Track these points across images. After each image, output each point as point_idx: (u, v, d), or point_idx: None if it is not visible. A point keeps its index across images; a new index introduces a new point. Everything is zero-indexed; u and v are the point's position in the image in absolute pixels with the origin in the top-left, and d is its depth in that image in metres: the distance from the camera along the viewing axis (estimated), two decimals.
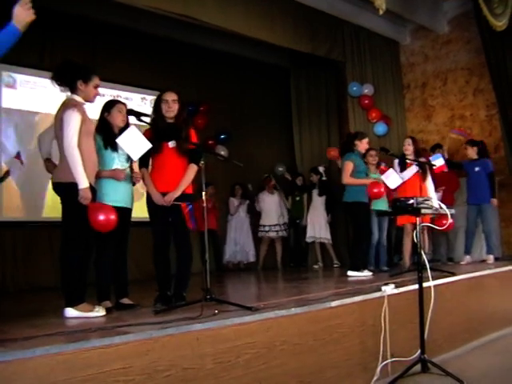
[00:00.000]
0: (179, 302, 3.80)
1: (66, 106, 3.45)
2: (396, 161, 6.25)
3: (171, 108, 3.97)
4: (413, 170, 5.93)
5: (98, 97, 3.68)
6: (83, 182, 3.36)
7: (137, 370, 2.55)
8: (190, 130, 4.06)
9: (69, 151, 3.35)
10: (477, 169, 6.75)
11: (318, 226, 8.28)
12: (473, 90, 8.07)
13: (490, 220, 6.69)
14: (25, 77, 6.85)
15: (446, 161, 7.14)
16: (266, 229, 8.58)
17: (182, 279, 3.98)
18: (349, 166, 5.92)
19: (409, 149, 6.15)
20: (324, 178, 8.34)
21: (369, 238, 6.24)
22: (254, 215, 8.78)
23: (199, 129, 8.23)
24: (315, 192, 8.38)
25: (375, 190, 5.83)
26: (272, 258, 8.69)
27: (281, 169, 9.18)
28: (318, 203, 8.33)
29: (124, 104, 4.06)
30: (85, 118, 3.47)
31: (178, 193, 3.89)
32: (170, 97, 3.99)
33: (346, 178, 5.93)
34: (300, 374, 3.26)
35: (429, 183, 6.16)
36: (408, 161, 6.10)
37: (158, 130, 3.94)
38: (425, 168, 5.97)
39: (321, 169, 8.39)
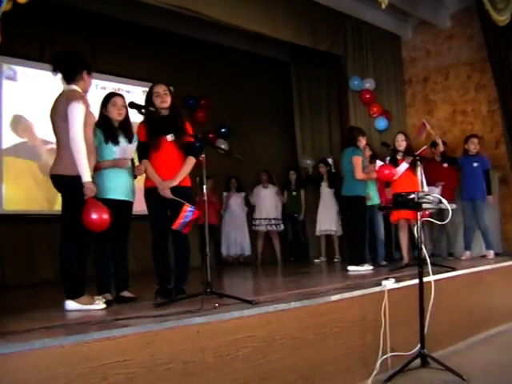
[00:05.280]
0: (179, 295, 3.81)
1: (70, 97, 3.39)
2: (386, 159, 6.24)
3: (164, 99, 3.97)
4: (405, 166, 5.95)
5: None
6: (88, 176, 3.34)
7: (137, 363, 2.56)
8: (185, 122, 4.06)
9: (75, 144, 3.32)
10: (475, 164, 6.71)
11: (328, 218, 8.05)
12: (474, 86, 8.03)
13: (483, 216, 6.61)
14: (25, 69, 6.83)
15: (444, 156, 7.14)
16: (258, 222, 8.50)
17: (181, 273, 3.99)
18: (359, 161, 5.93)
19: (402, 144, 6.10)
20: (333, 170, 8.12)
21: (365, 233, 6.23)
22: (252, 209, 8.71)
23: (200, 122, 8.24)
24: (324, 184, 8.14)
25: (386, 172, 5.88)
26: (272, 253, 8.67)
27: (309, 162, 8.82)
28: (328, 195, 8.09)
29: (120, 95, 4.04)
30: (88, 110, 3.44)
31: (174, 183, 3.87)
32: (161, 89, 3.99)
33: (360, 174, 5.90)
34: (299, 369, 3.26)
35: (422, 177, 6.10)
36: (399, 157, 6.11)
37: (153, 124, 3.93)
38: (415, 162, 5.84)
39: (330, 160, 8.20)
